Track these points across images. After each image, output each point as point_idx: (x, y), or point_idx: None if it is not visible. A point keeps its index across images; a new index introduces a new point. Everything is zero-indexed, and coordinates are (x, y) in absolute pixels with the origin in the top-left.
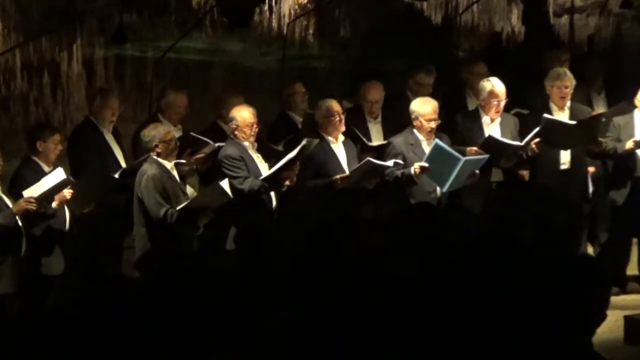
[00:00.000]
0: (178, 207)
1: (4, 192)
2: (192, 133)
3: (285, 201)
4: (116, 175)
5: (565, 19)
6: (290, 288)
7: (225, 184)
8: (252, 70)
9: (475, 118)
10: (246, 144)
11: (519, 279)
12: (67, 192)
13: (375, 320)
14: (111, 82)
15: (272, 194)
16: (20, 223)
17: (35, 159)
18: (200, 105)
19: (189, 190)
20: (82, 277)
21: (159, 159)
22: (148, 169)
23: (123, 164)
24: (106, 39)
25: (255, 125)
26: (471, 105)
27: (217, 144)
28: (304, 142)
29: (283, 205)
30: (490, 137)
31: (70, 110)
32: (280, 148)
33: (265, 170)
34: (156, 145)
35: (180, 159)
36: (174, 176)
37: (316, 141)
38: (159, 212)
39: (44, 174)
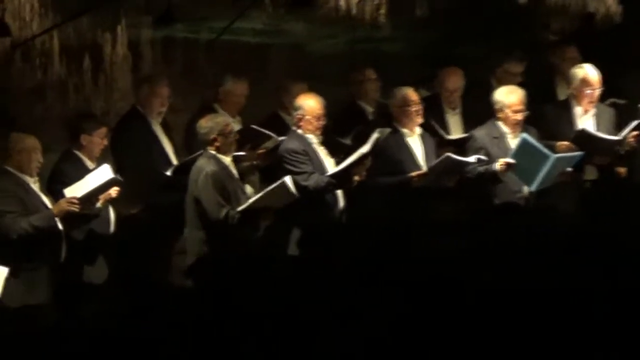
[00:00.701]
0: (239, 208)
1: (42, 190)
2: (252, 125)
3: (354, 200)
4: (168, 172)
5: None
6: (359, 297)
7: (289, 181)
8: (316, 55)
9: (566, 109)
10: (310, 136)
11: (621, 281)
12: (113, 191)
13: (456, 328)
14: (159, 66)
15: (340, 192)
16: (60, 226)
17: (78, 153)
18: (258, 94)
19: (247, 189)
20: (127, 287)
21: (217, 154)
22: (205, 166)
23: (173, 160)
24: (154, 18)
25: (323, 117)
26: (561, 95)
27: (280, 138)
28: (376, 133)
29: (352, 205)
30: (583, 130)
31: (113, 98)
32: (348, 141)
33: (331, 165)
34: (214, 139)
35: (239, 153)
36: (233, 173)
37: (387, 131)
38: (219, 214)
39: (87, 170)
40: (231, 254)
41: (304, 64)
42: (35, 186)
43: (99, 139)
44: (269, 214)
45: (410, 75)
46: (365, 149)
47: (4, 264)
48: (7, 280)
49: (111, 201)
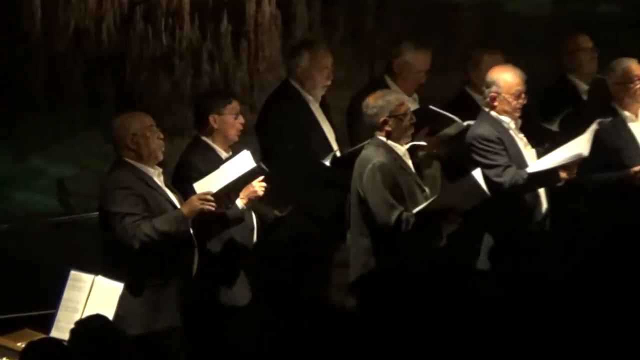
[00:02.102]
0: (415, 210)
1: (167, 185)
2: (431, 106)
3: (561, 200)
4: (326, 162)
5: None
6: (568, 318)
7: (479, 175)
8: (515, 17)
9: None
10: (507, 120)
11: None
12: (259, 186)
13: None
14: (316, 29)
15: (542, 191)
16: (191, 231)
17: (208, 140)
18: (441, 66)
19: (427, 184)
20: (276, 309)
21: (389, 141)
22: (373, 156)
23: (334, 147)
24: None
25: (523, 95)
26: None
27: (465, 122)
28: (594, 125)
29: (557, 206)
30: None
31: (259, 70)
32: (554, 127)
33: (531, 157)
34: (384, 122)
35: (415, 141)
36: (408, 166)
37: (609, 120)
38: (389, 217)
39: (222, 161)
40: (404, 267)
41: (499, 29)
42: (159, 180)
43: (231, 117)
44: (454, 218)
45: (635, 44)
46: (583, 150)
47: (122, 279)
48: (126, 299)
49: (257, 199)
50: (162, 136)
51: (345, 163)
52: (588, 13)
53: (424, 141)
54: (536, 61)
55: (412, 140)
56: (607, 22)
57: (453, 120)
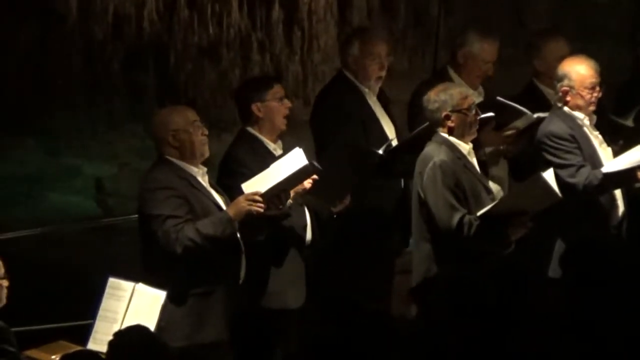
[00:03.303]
0: (480, 212)
1: (212, 185)
2: (499, 98)
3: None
4: (380, 151)
5: None
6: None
7: (549, 176)
8: (591, 3)
9: None
10: (580, 116)
11: None
12: (307, 182)
13: None
14: (376, 17)
15: (619, 193)
16: (238, 234)
17: (254, 131)
18: (509, 57)
19: (493, 186)
20: (332, 314)
21: (451, 138)
22: (435, 153)
23: (394, 143)
24: None
25: (598, 88)
26: None
27: (536, 115)
28: None
29: (636, 211)
30: None
31: (313, 60)
32: (630, 123)
33: (606, 156)
34: (447, 117)
35: (480, 135)
36: (472, 165)
37: None
38: (451, 220)
39: (268, 153)
40: (470, 275)
41: (574, 15)
42: (203, 180)
43: (275, 102)
44: (523, 222)
45: None
46: None
47: (164, 287)
48: (168, 309)
49: (307, 198)
50: (206, 132)
51: (402, 153)
52: None
53: (490, 136)
54: (613, 53)
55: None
56: None
57: (522, 113)
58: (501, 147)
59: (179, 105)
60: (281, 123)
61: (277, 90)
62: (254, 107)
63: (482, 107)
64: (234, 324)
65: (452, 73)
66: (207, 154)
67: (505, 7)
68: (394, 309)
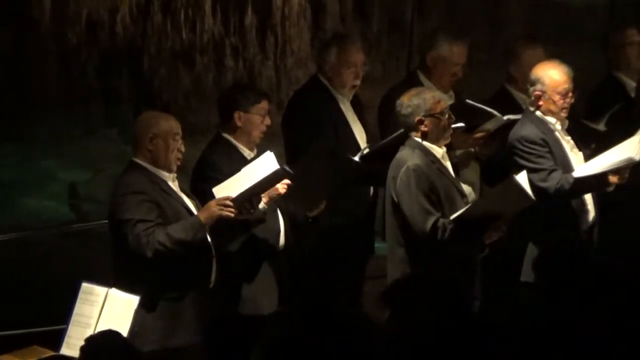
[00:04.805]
0: (453, 216)
1: (183, 190)
2: (468, 100)
3: (611, 209)
4: (356, 158)
5: None
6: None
7: (522, 178)
8: (566, 8)
9: None
10: (552, 120)
11: None
12: (281, 187)
13: None
14: (350, 22)
15: (589, 198)
16: (209, 238)
17: (230, 138)
18: (485, 61)
19: (465, 188)
20: (305, 319)
21: (425, 143)
22: (408, 158)
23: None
24: None
25: (570, 94)
26: None
27: (506, 117)
28: None
29: (607, 216)
30: None
31: (286, 65)
32: (601, 127)
33: (577, 161)
34: (420, 121)
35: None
36: (446, 169)
37: None
38: (425, 224)
39: (244, 161)
40: (443, 280)
41: (548, 20)
42: (174, 185)
43: (258, 117)
44: (497, 225)
45: None
46: (635, 154)
47: (135, 292)
48: (140, 314)
49: (281, 203)
50: (183, 149)
51: (375, 159)
52: None
53: (461, 139)
54: (586, 57)
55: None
56: None
57: (492, 115)
58: (472, 150)
59: (167, 113)
60: (257, 137)
61: (263, 106)
62: (235, 115)
63: (451, 110)
64: (208, 329)
65: (422, 77)
66: (174, 170)
67: (480, 12)
68: (368, 311)
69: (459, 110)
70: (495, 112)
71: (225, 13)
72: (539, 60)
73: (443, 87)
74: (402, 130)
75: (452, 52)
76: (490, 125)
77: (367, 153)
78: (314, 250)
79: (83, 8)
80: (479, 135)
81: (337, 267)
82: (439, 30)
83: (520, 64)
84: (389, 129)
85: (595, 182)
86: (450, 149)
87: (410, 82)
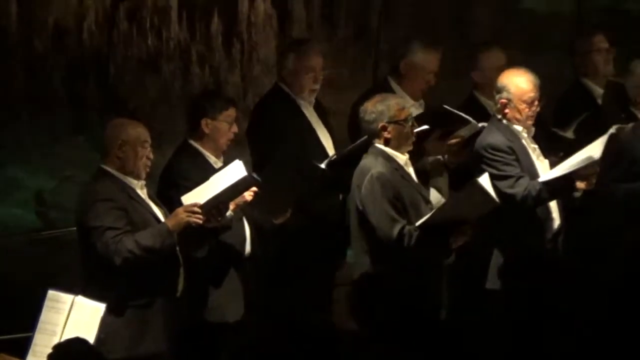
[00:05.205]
0: (419, 222)
1: (151, 197)
2: (445, 106)
3: (577, 214)
4: (322, 165)
5: None
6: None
7: (485, 181)
8: (532, 15)
9: None
10: (519, 128)
11: None
12: (248, 193)
13: None
14: (316, 28)
15: (555, 205)
16: (177, 246)
17: (198, 145)
18: (451, 69)
19: (434, 195)
20: (272, 327)
21: (388, 150)
22: (372, 165)
23: (330, 153)
24: None
25: (536, 102)
26: None
27: (480, 124)
28: (612, 130)
29: (572, 224)
30: None
31: (252, 73)
32: (570, 135)
33: (543, 167)
34: (383, 128)
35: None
36: (409, 175)
37: (630, 127)
38: (391, 231)
39: (210, 168)
40: (410, 287)
41: (513, 28)
42: (142, 192)
43: (225, 124)
44: (463, 230)
45: None
46: (594, 152)
47: (103, 299)
48: (107, 321)
49: (247, 210)
50: (152, 156)
51: (342, 166)
52: (611, 10)
53: (435, 146)
54: (554, 64)
55: (414, 149)
56: (630, 20)
57: (468, 121)
58: (441, 158)
59: (137, 121)
60: (224, 144)
61: (231, 113)
62: (203, 122)
63: (428, 114)
64: (175, 337)
65: (393, 84)
66: (143, 177)
67: (448, 20)
68: (336, 320)
69: (436, 115)
70: (470, 119)
71: (191, 20)
72: (499, 66)
73: (415, 94)
74: (366, 137)
75: (426, 60)
76: (464, 132)
77: (333, 160)
78: (282, 257)
79: (49, 15)
80: (452, 141)
81: (306, 274)
82: (413, 37)
83: (480, 68)
84: (360, 136)
85: (561, 187)
86: (422, 155)
87: (381, 89)
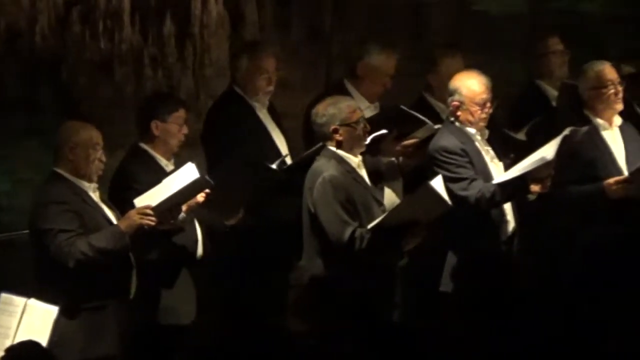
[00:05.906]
0: (370, 225)
1: (103, 200)
2: (402, 106)
3: (531, 219)
4: (274, 166)
5: None
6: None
7: (438, 183)
8: (486, 16)
9: None
10: (472, 131)
11: None
12: (200, 195)
13: None
14: (269, 30)
15: (509, 207)
16: (129, 248)
17: (148, 148)
18: (405, 70)
19: (388, 197)
20: (225, 329)
21: (340, 152)
22: (324, 168)
23: (287, 158)
24: None
25: (488, 104)
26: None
27: (437, 126)
28: (566, 131)
29: (526, 226)
30: None
31: (205, 75)
32: (522, 137)
33: (497, 170)
34: (335, 131)
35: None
36: (362, 177)
37: (583, 131)
38: (342, 234)
39: (160, 171)
40: (360, 290)
41: (468, 30)
42: (95, 195)
43: (175, 126)
44: (416, 232)
45: (614, 45)
46: (548, 153)
47: (56, 301)
48: (60, 324)
49: (200, 209)
50: (104, 159)
51: (296, 172)
52: (565, 12)
53: (391, 147)
54: (507, 66)
55: (366, 150)
56: (584, 22)
57: (424, 122)
58: (395, 160)
59: (89, 124)
60: (174, 146)
61: (181, 114)
62: (152, 124)
63: (385, 114)
64: (128, 339)
65: (349, 86)
66: (95, 180)
67: (403, 21)
68: (290, 322)
69: (392, 116)
70: (427, 121)
71: (144, 22)
72: (457, 69)
73: (371, 97)
74: (321, 143)
75: (383, 62)
76: (420, 134)
77: (289, 166)
78: (235, 258)
79: (1, 18)
80: (408, 142)
81: (259, 275)
82: (369, 40)
83: (438, 71)
84: (314, 138)
85: (515, 188)
86: (376, 156)
87: (336, 91)
